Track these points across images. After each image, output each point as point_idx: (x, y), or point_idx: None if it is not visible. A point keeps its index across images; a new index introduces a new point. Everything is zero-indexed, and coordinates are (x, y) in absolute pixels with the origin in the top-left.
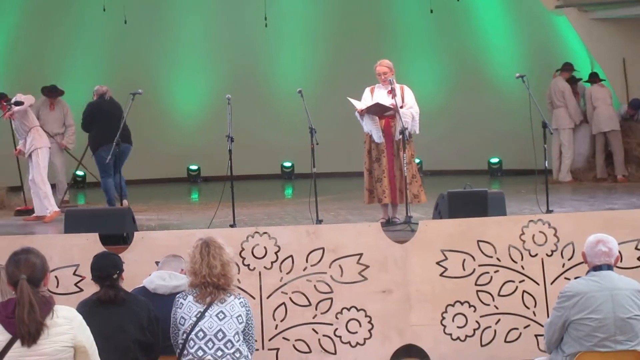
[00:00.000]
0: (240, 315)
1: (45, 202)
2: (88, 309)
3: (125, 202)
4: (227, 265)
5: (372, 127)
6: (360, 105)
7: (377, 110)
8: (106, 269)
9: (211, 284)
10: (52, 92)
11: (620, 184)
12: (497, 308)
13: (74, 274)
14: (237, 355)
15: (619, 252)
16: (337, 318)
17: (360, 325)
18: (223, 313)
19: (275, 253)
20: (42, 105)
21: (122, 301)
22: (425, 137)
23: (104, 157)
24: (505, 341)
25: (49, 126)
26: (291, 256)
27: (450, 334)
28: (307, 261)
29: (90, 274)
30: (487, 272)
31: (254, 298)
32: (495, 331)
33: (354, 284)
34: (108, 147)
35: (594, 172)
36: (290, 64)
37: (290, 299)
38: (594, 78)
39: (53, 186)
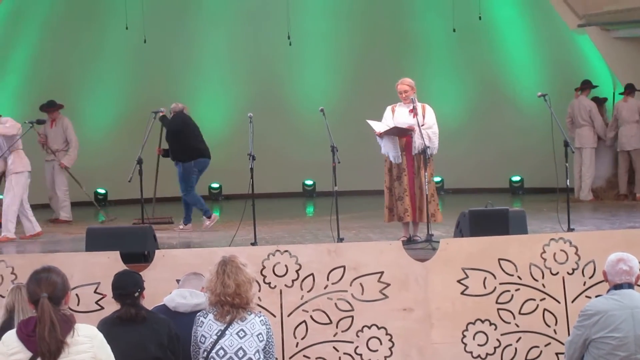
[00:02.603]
0: (260, 334)
1: (3, 226)
2: (109, 327)
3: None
4: (242, 285)
5: (390, 149)
6: (379, 128)
7: (396, 132)
8: (127, 287)
9: (227, 302)
10: (49, 108)
11: None
12: (518, 326)
13: (95, 292)
14: None
15: None
16: (357, 336)
17: (381, 344)
18: (244, 331)
19: (296, 271)
20: (46, 123)
21: (143, 319)
22: (447, 154)
23: (194, 171)
24: (526, 359)
25: (49, 143)
26: (312, 274)
27: (471, 352)
28: (328, 279)
29: (111, 292)
30: (508, 290)
31: (274, 316)
32: (516, 349)
33: (375, 302)
34: (198, 162)
35: (615, 190)
36: (312, 82)
37: (311, 317)
38: (629, 89)
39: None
